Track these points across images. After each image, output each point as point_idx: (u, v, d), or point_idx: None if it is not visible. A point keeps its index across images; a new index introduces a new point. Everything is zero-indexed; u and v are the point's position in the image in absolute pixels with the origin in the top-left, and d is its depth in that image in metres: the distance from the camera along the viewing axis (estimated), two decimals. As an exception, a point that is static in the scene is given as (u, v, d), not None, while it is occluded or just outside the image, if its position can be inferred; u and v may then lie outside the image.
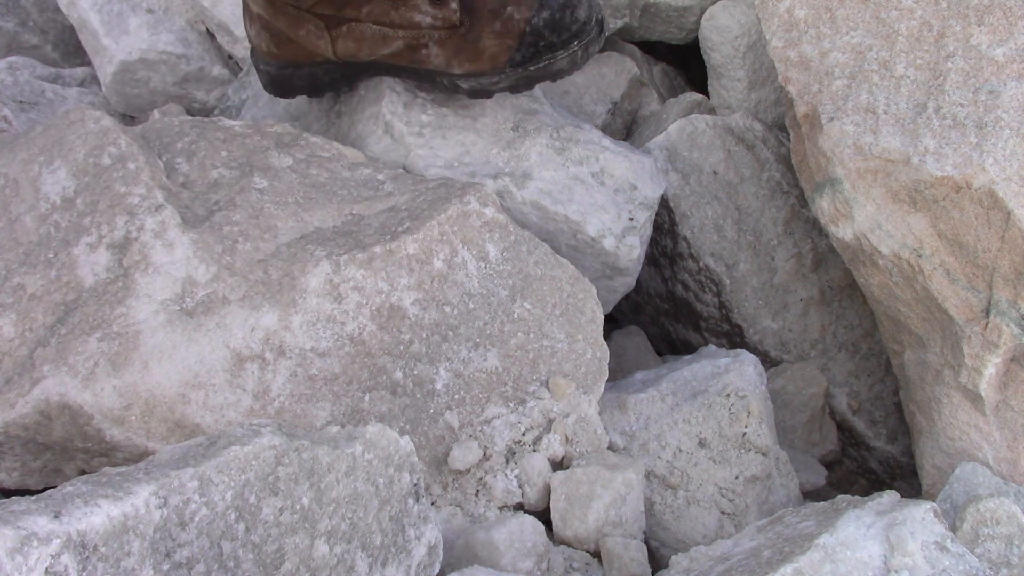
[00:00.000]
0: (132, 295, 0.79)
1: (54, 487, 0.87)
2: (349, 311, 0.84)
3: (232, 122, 1.03)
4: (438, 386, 0.85)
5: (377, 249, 0.89)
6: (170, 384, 0.77)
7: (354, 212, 0.95)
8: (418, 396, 0.84)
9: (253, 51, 1.16)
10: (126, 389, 0.76)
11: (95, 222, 0.84)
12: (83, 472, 0.85)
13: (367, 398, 0.82)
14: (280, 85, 1.15)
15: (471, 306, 0.91)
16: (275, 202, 0.91)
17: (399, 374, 0.84)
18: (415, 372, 0.85)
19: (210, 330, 0.79)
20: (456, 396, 0.87)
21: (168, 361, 0.77)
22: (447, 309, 0.89)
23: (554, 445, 0.93)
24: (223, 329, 0.79)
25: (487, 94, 1.11)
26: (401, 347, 0.85)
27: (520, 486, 0.91)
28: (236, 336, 0.80)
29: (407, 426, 0.82)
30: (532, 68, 1.10)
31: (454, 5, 1.04)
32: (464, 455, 0.88)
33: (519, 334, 0.93)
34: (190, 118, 1.06)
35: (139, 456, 0.78)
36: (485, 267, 0.93)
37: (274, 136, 1.02)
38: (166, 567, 0.59)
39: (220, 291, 0.81)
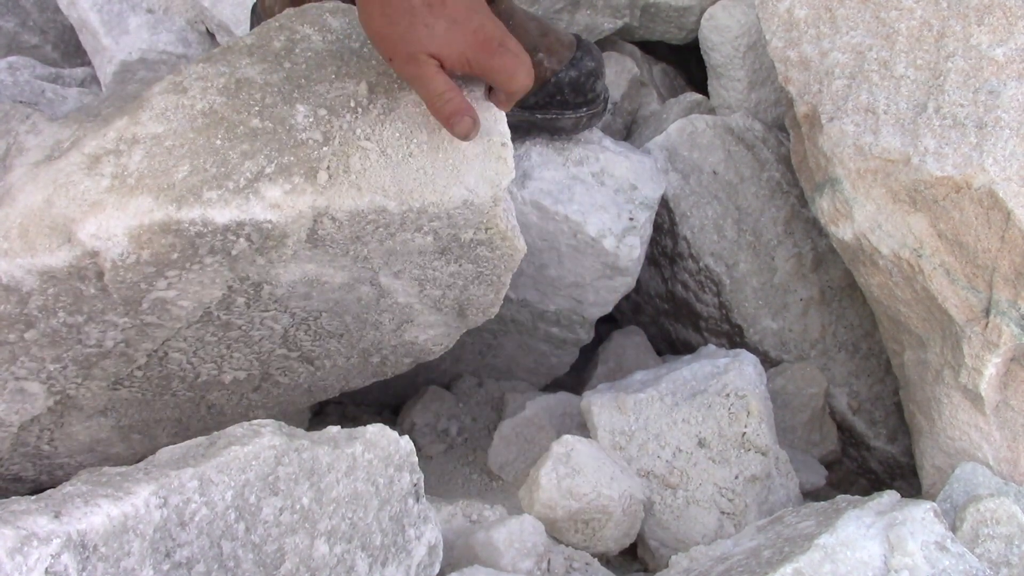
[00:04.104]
0: (10, 173, 0.84)
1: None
2: (196, 95, 0.86)
3: None
4: (298, 119, 0.86)
5: (216, 50, 0.92)
6: (35, 200, 0.79)
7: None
8: (279, 131, 0.85)
9: (257, 10, 1.15)
10: None
11: None
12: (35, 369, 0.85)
13: (224, 144, 0.84)
14: None
15: (324, 58, 0.92)
16: (146, 84, 0.93)
17: (256, 121, 0.85)
18: (272, 115, 0.86)
19: (67, 152, 0.83)
20: (321, 118, 0.87)
21: (32, 185, 0.80)
22: (290, 66, 0.90)
23: None
24: (78, 147, 0.83)
25: None
26: (253, 103, 0.86)
27: None
28: (90, 144, 0.83)
29: (272, 153, 0.83)
30: (539, 116, 1.13)
31: None
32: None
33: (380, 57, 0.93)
34: None
35: (40, 288, 0.79)
36: (331, 35, 0.94)
37: None
38: (166, 567, 0.59)
39: (80, 133, 0.85)
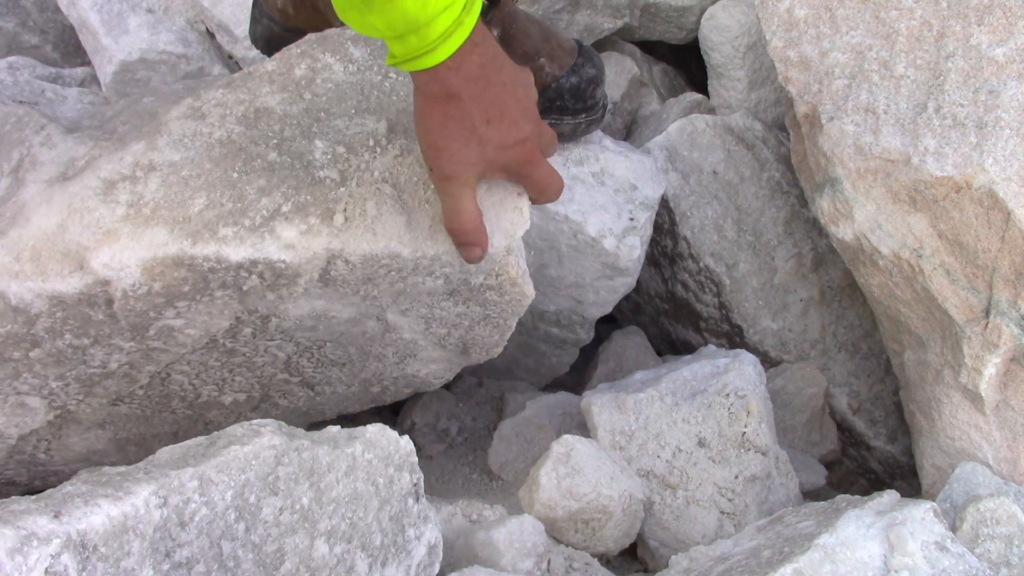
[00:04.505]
0: (23, 188, 0.83)
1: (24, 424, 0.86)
2: (214, 123, 0.86)
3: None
4: (316, 155, 0.85)
5: (236, 75, 0.91)
6: (49, 224, 0.79)
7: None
8: (297, 167, 0.84)
9: (258, 2, 1.15)
10: (12, 244, 0.78)
11: None
12: (38, 386, 0.85)
13: (240, 178, 0.83)
14: (276, 45, 1.14)
15: (344, 91, 0.91)
16: (161, 99, 0.92)
17: (273, 155, 0.84)
18: (290, 149, 0.85)
19: (82, 174, 0.82)
20: (339, 156, 0.86)
21: (46, 207, 0.80)
22: (311, 97, 0.89)
23: None
24: (93, 169, 0.82)
25: None
26: (272, 135, 0.86)
27: None
28: (105, 168, 0.82)
29: (289, 191, 0.83)
30: None
31: (495, 33, 1.05)
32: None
33: (401, 92, 0.92)
34: None
35: (48, 311, 0.78)
36: (352, 66, 0.93)
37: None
38: (166, 567, 0.59)
39: (95, 152, 0.84)
